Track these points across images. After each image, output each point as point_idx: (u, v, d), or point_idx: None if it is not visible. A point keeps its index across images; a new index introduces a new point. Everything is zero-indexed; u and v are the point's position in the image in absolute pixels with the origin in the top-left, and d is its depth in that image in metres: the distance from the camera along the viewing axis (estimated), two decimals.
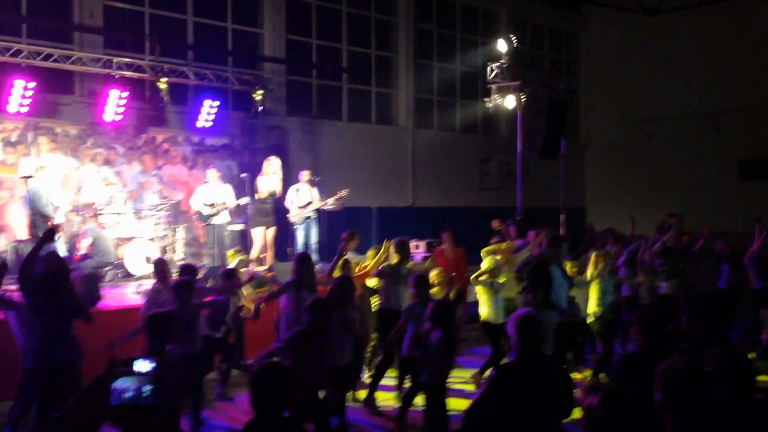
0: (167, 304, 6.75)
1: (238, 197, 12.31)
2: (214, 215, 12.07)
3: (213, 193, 12.23)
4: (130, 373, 2.62)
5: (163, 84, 12.75)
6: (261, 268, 11.46)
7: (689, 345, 4.84)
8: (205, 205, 12.13)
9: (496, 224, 10.49)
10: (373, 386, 7.96)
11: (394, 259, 8.65)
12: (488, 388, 4.49)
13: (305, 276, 7.49)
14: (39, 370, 5.85)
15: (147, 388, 2.62)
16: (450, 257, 10.77)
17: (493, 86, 14.98)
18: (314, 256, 12.75)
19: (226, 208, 12.17)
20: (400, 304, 8.05)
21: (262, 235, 12.11)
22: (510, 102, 14.79)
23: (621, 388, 3.04)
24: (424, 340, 6.33)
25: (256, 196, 12.00)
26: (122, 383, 2.59)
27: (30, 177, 9.42)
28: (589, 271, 8.82)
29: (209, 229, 12.23)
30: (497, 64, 14.80)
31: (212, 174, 12.41)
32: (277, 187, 12.20)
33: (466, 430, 4.59)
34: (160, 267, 7.95)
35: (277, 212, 12.47)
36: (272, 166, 12.19)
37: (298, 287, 7.35)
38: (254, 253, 12.06)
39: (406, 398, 7.13)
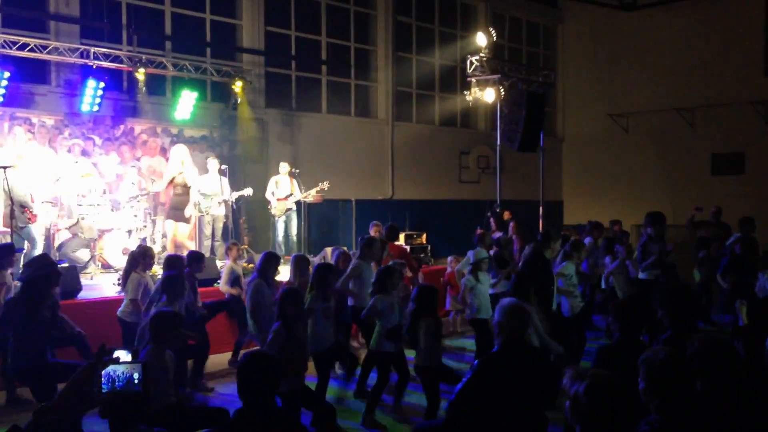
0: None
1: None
2: (211, 206, 12.02)
3: (212, 183, 12.15)
4: (119, 361, 2.62)
5: (140, 75, 12.66)
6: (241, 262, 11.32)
7: (668, 335, 4.92)
8: (204, 195, 12.03)
9: (507, 215, 10.53)
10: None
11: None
12: (473, 378, 4.52)
13: (268, 272, 7.53)
14: (24, 370, 5.87)
15: (136, 376, 2.64)
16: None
17: (473, 79, 15.03)
18: (294, 248, 12.79)
19: (225, 201, 12.10)
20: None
21: (172, 229, 11.25)
22: (489, 95, 14.86)
23: (607, 375, 3.09)
24: (410, 326, 6.40)
25: (168, 188, 11.18)
26: (112, 371, 2.60)
27: (8, 167, 9.30)
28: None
29: (205, 219, 12.15)
30: (477, 57, 14.84)
31: (213, 164, 12.29)
32: (186, 177, 11.29)
33: (451, 419, 4.64)
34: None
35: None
36: (181, 155, 11.32)
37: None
38: (161, 248, 11.20)
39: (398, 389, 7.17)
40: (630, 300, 5.18)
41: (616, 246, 10.06)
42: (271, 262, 7.65)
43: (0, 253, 7.30)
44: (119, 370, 2.58)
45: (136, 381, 2.60)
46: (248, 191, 12.30)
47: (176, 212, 10.91)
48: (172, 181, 11.78)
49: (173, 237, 11.16)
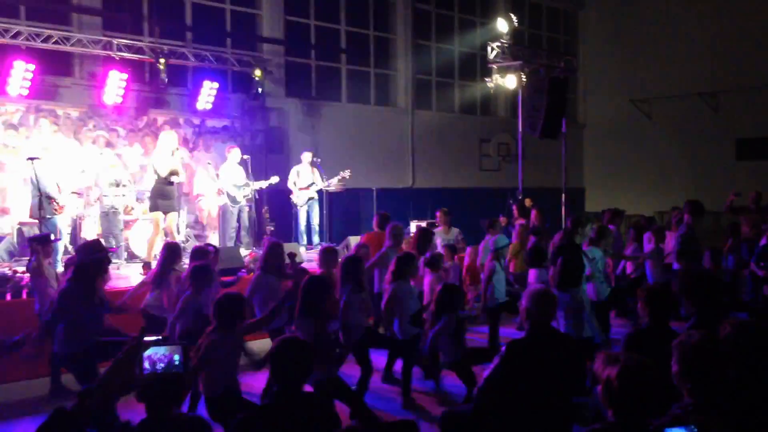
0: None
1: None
2: (247, 196, 12.09)
3: (239, 173, 12.20)
4: (161, 342, 2.66)
5: (161, 65, 12.71)
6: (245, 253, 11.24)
7: (693, 323, 4.89)
8: (236, 186, 12.09)
9: (528, 202, 10.42)
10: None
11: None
12: (500, 364, 4.52)
13: (272, 262, 7.45)
14: (72, 355, 5.98)
15: (177, 357, 2.67)
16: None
17: (495, 66, 14.94)
18: (315, 237, 12.85)
19: (261, 188, 12.13)
20: None
21: (161, 222, 10.43)
22: (511, 82, 14.77)
23: (639, 359, 3.10)
24: (433, 323, 6.46)
25: (156, 177, 10.39)
26: (154, 352, 2.64)
27: (35, 159, 9.42)
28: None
29: (233, 210, 12.19)
30: (498, 43, 14.75)
31: (235, 153, 12.30)
32: (177, 165, 10.57)
33: (479, 405, 4.66)
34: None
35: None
36: (171, 142, 10.55)
37: (266, 273, 7.35)
38: (151, 240, 10.53)
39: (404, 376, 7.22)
40: (659, 286, 5.15)
41: (646, 234, 10.01)
42: (275, 250, 7.54)
43: (39, 242, 7.41)
44: (160, 351, 2.62)
45: (177, 362, 2.64)
46: (275, 179, 12.38)
47: (164, 202, 10.36)
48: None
49: (166, 228, 10.53)
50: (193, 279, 6.49)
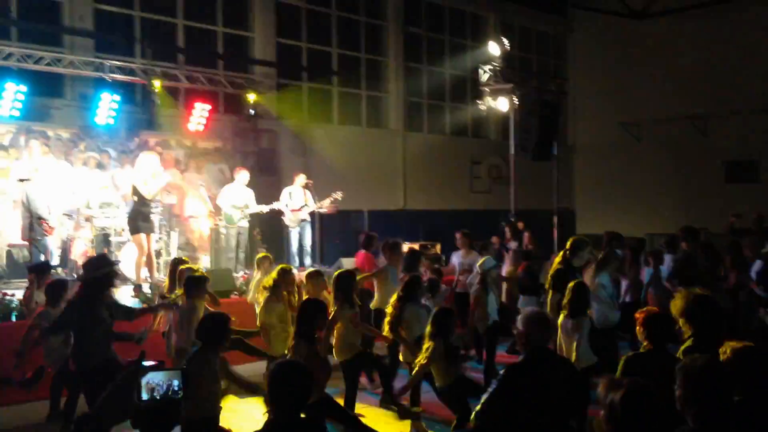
0: None
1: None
2: (243, 218, 12.01)
3: (241, 195, 12.14)
4: (160, 368, 2.61)
5: (157, 86, 12.66)
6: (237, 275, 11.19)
7: (690, 346, 4.86)
8: (235, 207, 12.03)
9: (521, 225, 10.28)
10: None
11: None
12: (499, 387, 4.49)
13: (281, 288, 7.46)
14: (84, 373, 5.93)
15: (176, 383, 2.62)
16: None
17: (487, 89, 15.03)
18: (307, 259, 12.79)
19: (260, 212, 12.08)
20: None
21: (144, 243, 10.38)
22: (503, 104, 14.85)
23: (643, 383, 3.06)
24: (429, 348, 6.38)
25: (135, 199, 10.30)
26: (153, 378, 2.58)
27: (26, 180, 9.35)
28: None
29: (231, 232, 12.11)
30: (490, 66, 14.85)
31: (243, 175, 12.24)
32: (159, 187, 10.51)
33: (478, 428, 4.61)
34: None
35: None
36: (152, 165, 10.42)
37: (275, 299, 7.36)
38: (138, 262, 10.47)
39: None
40: (658, 309, 5.13)
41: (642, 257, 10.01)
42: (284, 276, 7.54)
43: (35, 271, 7.38)
44: (159, 377, 2.57)
45: (176, 388, 2.58)
46: (277, 205, 12.27)
47: (145, 224, 10.29)
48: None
49: (147, 251, 10.40)
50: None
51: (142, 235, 10.25)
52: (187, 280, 6.88)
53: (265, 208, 12.20)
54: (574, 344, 6.41)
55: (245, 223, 12.18)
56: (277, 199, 12.80)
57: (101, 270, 6.12)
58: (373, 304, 8.81)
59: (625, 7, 19.25)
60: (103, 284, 6.23)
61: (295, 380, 3.44)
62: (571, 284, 6.72)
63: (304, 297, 7.15)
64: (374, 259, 10.04)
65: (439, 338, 6.36)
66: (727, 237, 12.44)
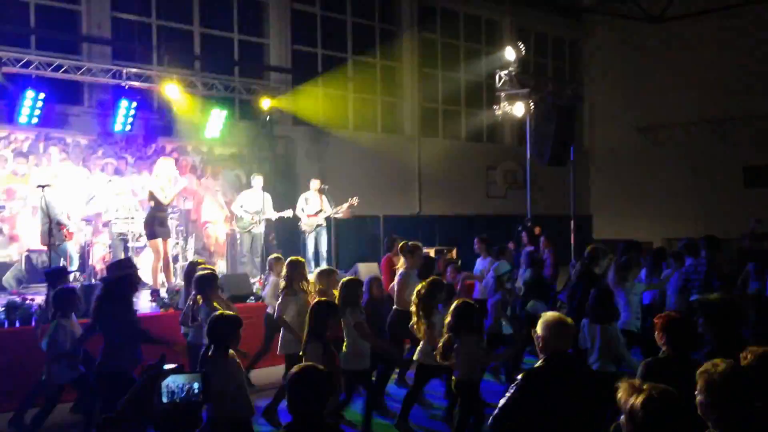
0: None
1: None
2: (254, 224, 12.05)
3: (255, 200, 12.18)
4: (180, 371, 2.61)
5: (172, 88, 12.69)
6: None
7: (709, 350, 4.82)
8: (246, 212, 12.08)
9: (537, 230, 10.84)
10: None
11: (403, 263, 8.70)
12: (516, 392, 4.45)
13: (295, 281, 7.46)
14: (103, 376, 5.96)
15: (196, 386, 2.62)
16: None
17: (502, 94, 15.00)
18: (323, 264, 12.79)
19: (267, 218, 12.10)
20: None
21: (161, 248, 10.49)
22: (519, 109, 14.81)
23: (664, 389, 3.03)
24: (451, 341, 6.34)
25: (152, 204, 10.46)
26: (173, 381, 2.59)
27: (46, 186, 9.44)
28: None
29: (245, 236, 12.15)
30: (506, 72, 14.83)
31: (258, 181, 12.34)
32: (175, 193, 10.63)
33: None
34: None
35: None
36: (167, 169, 10.69)
37: (292, 292, 7.38)
38: (155, 267, 10.62)
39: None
40: (678, 314, 5.08)
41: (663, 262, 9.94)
42: (296, 268, 7.53)
43: (52, 277, 7.43)
44: (179, 380, 2.57)
45: (196, 391, 2.59)
46: (288, 213, 12.31)
47: (162, 229, 10.43)
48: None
49: (163, 256, 10.54)
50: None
51: (159, 240, 10.37)
52: (200, 279, 6.85)
53: (274, 216, 12.23)
54: (595, 351, 6.37)
55: (259, 229, 12.21)
56: (293, 204, 12.85)
57: (123, 273, 6.16)
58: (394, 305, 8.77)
59: (641, 11, 19.14)
60: (127, 285, 6.27)
61: (314, 384, 3.44)
62: (594, 291, 6.69)
63: (315, 296, 7.12)
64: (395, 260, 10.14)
65: (466, 333, 6.30)
66: (748, 242, 12.32)
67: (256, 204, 12.13)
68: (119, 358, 5.96)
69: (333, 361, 5.80)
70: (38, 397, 7.00)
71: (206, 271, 7.06)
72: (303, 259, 7.92)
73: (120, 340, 6.00)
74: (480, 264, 10.79)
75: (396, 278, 8.51)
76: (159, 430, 3.26)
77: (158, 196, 10.23)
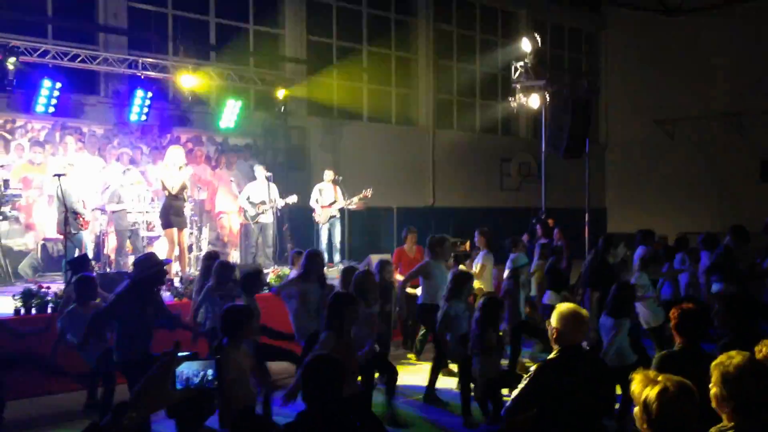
0: None
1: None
2: (260, 214, 12.09)
3: (260, 191, 12.22)
4: (194, 357, 2.61)
5: (188, 78, 12.69)
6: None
7: (726, 342, 4.80)
8: (251, 203, 12.12)
9: (551, 222, 10.95)
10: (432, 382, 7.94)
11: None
12: (530, 384, 4.45)
13: (313, 271, 7.48)
14: (130, 363, 6.03)
15: (210, 372, 2.62)
16: (412, 256, 10.42)
17: (518, 85, 14.92)
18: (337, 255, 12.83)
19: (272, 207, 12.12)
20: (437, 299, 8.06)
21: (176, 238, 10.46)
22: (534, 101, 14.73)
23: (678, 380, 3.01)
24: (474, 336, 6.36)
25: (166, 194, 10.41)
26: (187, 368, 2.59)
27: (62, 175, 9.51)
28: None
29: (254, 228, 12.20)
30: (522, 63, 14.75)
31: (260, 171, 12.36)
32: (182, 180, 10.51)
33: (507, 426, 4.58)
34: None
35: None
36: (178, 157, 10.51)
37: (306, 281, 7.41)
38: (169, 257, 10.41)
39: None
40: (693, 306, 5.05)
41: (678, 255, 9.89)
42: (314, 259, 7.54)
43: (73, 265, 7.51)
44: (193, 367, 2.57)
45: (210, 378, 2.59)
46: (292, 199, 12.35)
47: (177, 219, 10.43)
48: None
49: (180, 245, 10.56)
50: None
51: (174, 230, 10.41)
52: (246, 276, 7.03)
53: (281, 203, 12.24)
54: (612, 344, 6.36)
55: (267, 219, 12.22)
56: (307, 195, 12.87)
57: (152, 269, 6.23)
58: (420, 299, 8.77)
59: (659, 3, 18.99)
60: (154, 282, 6.36)
61: (328, 373, 3.46)
62: (615, 284, 6.68)
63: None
64: (408, 253, 10.17)
65: (487, 328, 6.32)
66: (764, 237, 12.20)
67: (262, 194, 12.16)
68: (133, 351, 6.04)
69: (349, 351, 5.82)
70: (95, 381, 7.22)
71: (252, 270, 7.28)
72: (319, 250, 7.98)
73: (134, 334, 6.08)
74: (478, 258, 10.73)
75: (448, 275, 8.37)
76: (173, 416, 3.28)
77: (167, 184, 10.29)
